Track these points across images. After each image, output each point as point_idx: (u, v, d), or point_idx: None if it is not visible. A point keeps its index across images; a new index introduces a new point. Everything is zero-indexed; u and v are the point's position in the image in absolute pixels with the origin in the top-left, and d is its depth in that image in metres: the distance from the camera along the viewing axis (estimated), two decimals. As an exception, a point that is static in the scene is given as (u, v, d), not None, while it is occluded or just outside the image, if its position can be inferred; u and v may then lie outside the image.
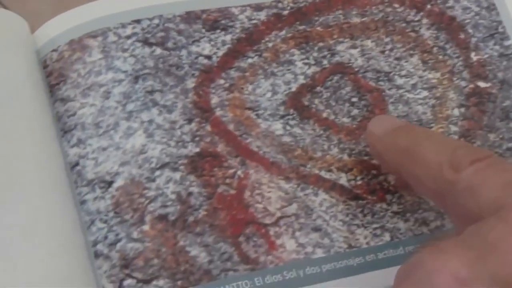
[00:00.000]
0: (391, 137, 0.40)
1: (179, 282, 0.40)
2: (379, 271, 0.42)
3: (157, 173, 0.42)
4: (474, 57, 0.47)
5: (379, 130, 0.40)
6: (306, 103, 0.45)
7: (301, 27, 0.46)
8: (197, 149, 0.42)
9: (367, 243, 0.42)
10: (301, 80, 0.45)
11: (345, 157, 0.44)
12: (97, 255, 0.40)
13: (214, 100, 0.44)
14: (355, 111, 0.45)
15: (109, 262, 0.40)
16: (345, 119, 0.45)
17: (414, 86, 0.46)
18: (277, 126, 0.44)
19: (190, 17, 0.45)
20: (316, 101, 0.45)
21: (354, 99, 0.45)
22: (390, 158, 0.40)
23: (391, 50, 0.46)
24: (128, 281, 0.40)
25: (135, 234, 0.40)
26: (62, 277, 0.39)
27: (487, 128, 0.45)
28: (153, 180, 0.41)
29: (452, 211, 0.36)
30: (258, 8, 0.46)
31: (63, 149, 0.43)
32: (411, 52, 0.46)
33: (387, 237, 0.42)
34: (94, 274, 0.40)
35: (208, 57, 0.45)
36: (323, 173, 0.43)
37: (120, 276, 0.40)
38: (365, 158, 0.44)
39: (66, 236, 0.41)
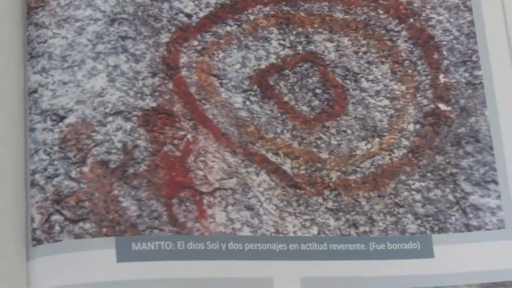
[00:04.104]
0: None
1: (104, 229, 0.37)
2: (299, 261, 0.39)
3: (109, 119, 0.38)
4: (442, 79, 0.43)
5: None
6: (271, 83, 0.41)
7: (285, 8, 0.43)
8: (154, 104, 0.39)
9: (294, 232, 0.39)
10: (272, 59, 0.42)
11: (295, 144, 0.40)
12: (33, 184, 0.37)
13: (183, 59, 0.40)
14: (316, 102, 0.41)
15: (42, 194, 0.37)
16: (305, 108, 0.41)
17: (377, 92, 0.42)
18: (238, 99, 0.40)
19: (180, -27, 0.42)
20: (282, 83, 0.41)
21: (318, 91, 0.42)
22: None
23: (364, 52, 0.43)
24: (56, 217, 0.37)
25: (73, 173, 0.37)
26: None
27: (436, 150, 0.42)
28: (104, 125, 0.38)
29: None
30: (249, -21, 0.43)
31: (26, 73, 0.39)
32: (383, 59, 0.43)
33: (314, 230, 0.39)
34: (25, 203, 0.37)
35: (188, 16, 0.41)
36: (269, 155, 0.40)
37: (49, 210, 0.37)
38: (314, 150, 0.40)
39: (7, 160, 0.37)
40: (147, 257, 0.37)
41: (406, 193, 0.41)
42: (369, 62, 0.43)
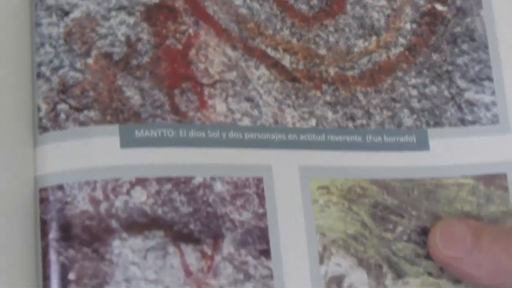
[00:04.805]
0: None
1: (108, 117, 0.37)
2: (297, 150, 0.39)
3: (113, 13, 0.39)
4: (438, -21, 0.43)
5: (458, 249, 0.38)
6: (271, -18, 0.41)
7: None
8: (156, 0, 0.39)
9: (293, 123, 0.39)
10: (271, -40, 0.42)
11: (294, 40, 0.41)
12: (39, 76, 0.38)
13: (184, -41, 0.41)
14: (314, 1, 0.42)
15: (48, 85, 0.38)
16: (303, 6, 0.41)
17: (375, -8, 0.42)
18: (237, -3, 0.41)
19: None
20: (281, -17, 0.42)
21: (316, -10, 0.42)
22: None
23: (363, -47, 0.43)
24: (62, 106, 0.37)
25: (78, 65, 0.38)
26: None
27: (432, 48, 0.42)
28: (108, 19, 0.38)
29: None
30: None
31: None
32: (381, -40, 0.43)
33: (313, 122, 0.40)
34: (32, 93, 0.38)
35: None
36: (268, 50, 0.40)
37: (55, 99, 0.37)
38: (312, 46, 0.41)
39: (14, 53, 0.38)
40: (149, 143, 0.37)
41: (402, 89, 0.42)
42: (366, -36, 0.43)
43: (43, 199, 0.37)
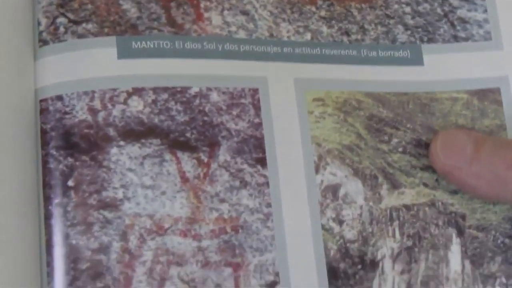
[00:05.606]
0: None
1: (105, 29, 0.37)
2: (293, 63, 0.39)
3: None
4: None
5: (458, 159, 0.38)
6: None
7: None
8: None
9: (288, 37, 0.39)
10: None
11: (288, -42, 0.41)
12: None
13: None
14: None
15: (47, -1, 0.38)
16: None
17: None
18: None
19: None
20: None
21: None
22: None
23: None
24: (60, 19, 0.37)
25: None
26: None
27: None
28: None
29: None
30: None
31: None
32: None
33: (308, 36, 0.40)
34: (32, 8, 0.38)
35: None
36: None
37: (55, 13, 0.38)
38: (307, -35, 0.41)
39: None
40: (146, 54, 0.37)
41: (396, 6, 0.41)
42: None
43: (43, 109, 0.37)
